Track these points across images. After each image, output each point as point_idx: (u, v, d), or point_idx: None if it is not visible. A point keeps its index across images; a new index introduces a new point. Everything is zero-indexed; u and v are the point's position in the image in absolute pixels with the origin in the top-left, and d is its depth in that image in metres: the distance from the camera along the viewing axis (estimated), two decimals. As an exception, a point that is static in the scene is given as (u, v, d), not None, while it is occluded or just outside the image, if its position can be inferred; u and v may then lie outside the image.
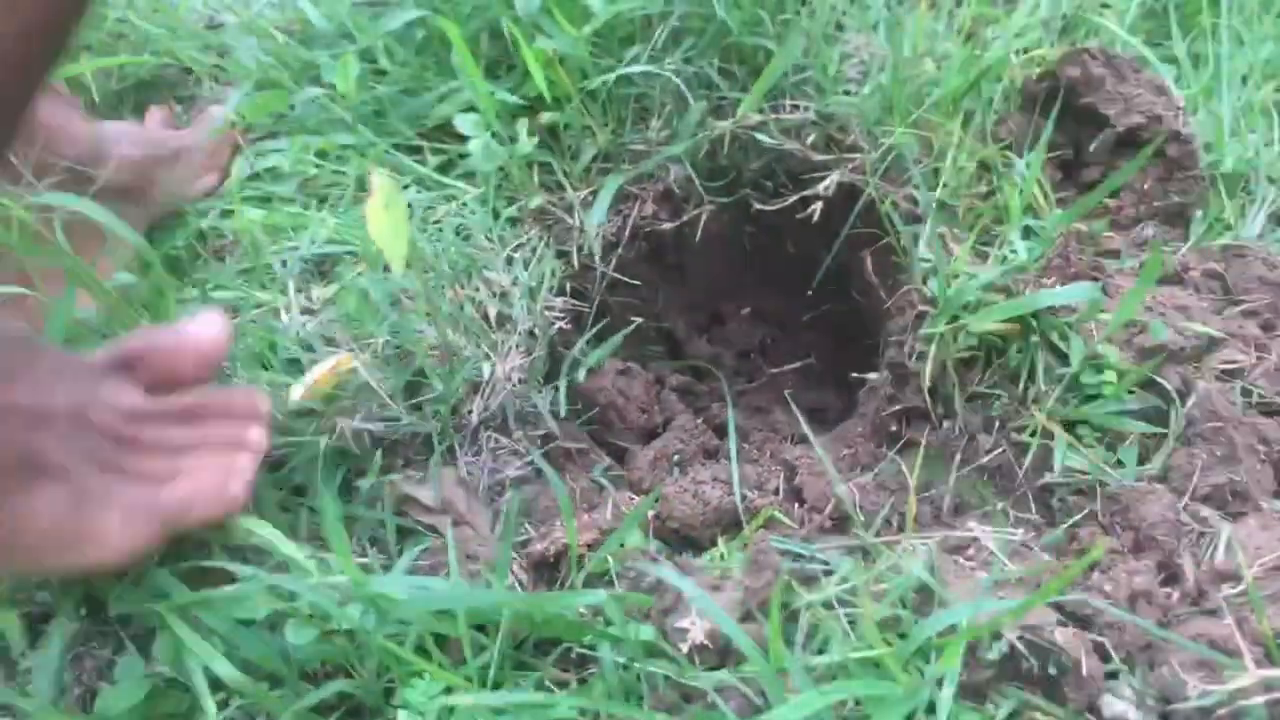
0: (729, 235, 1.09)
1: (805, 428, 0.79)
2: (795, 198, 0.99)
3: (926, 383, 0.82)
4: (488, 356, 0.84)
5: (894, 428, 0.86)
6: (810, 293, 1.14)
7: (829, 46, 1.08)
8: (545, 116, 1.00)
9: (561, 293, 0.94)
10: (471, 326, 0.85)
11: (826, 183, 0.97)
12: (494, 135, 0.97)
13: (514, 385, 0.83)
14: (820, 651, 0.66)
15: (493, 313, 0.87)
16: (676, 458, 0.86)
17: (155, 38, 1.12)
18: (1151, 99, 0.92)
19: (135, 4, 1.16)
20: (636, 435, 0.95)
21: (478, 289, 0.89)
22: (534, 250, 0.95)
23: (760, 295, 1.19)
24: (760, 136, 1.00)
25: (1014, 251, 0.85)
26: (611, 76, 0.98)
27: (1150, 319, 0.79)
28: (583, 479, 0.83)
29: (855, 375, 0.96)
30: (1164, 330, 0.77)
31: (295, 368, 0.84)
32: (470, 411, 0.82)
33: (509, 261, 0.92)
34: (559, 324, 0.92)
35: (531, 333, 0.89)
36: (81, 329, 0.81)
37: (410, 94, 1.02)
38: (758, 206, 1.02)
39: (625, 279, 1.01)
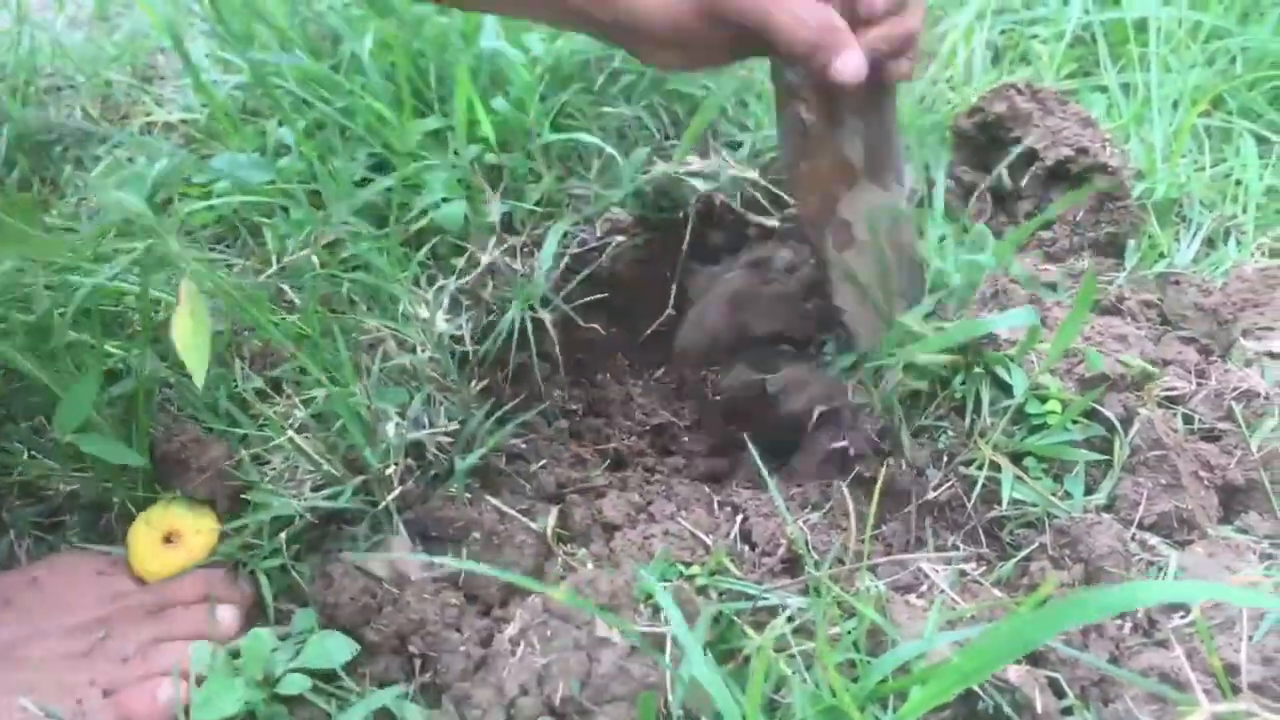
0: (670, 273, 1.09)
1: (760, 468, 0.79)
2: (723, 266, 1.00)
3: (872, 418, 0.82)
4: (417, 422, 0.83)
5: (842, 464, 0.85)
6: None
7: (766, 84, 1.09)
8: (489, 159, 1.00)
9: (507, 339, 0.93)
10: (394, 389, 0.84)
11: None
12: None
13: (436, 451, 0.83)
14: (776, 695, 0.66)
15: (424, 369, 0.86)
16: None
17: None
18: (1079, 131, 0.93)
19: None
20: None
21: (411, 349, 0.88)
22: (476, 301, 0.94)
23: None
24: (695, 182, 1.00)
25: (949, 283, 0.86)
26: (558, 137, 0.99)
27: (1089, 349, 0.79)
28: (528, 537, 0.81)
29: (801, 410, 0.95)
30: (1101, 360, 0.78)
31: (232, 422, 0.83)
32: (409, 477, 0.80)
33: (448, 314, 0.91)
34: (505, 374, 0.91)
35: (448, 389, 0.88)
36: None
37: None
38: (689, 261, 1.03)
39: (577, 319, 1.00)
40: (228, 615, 0.73)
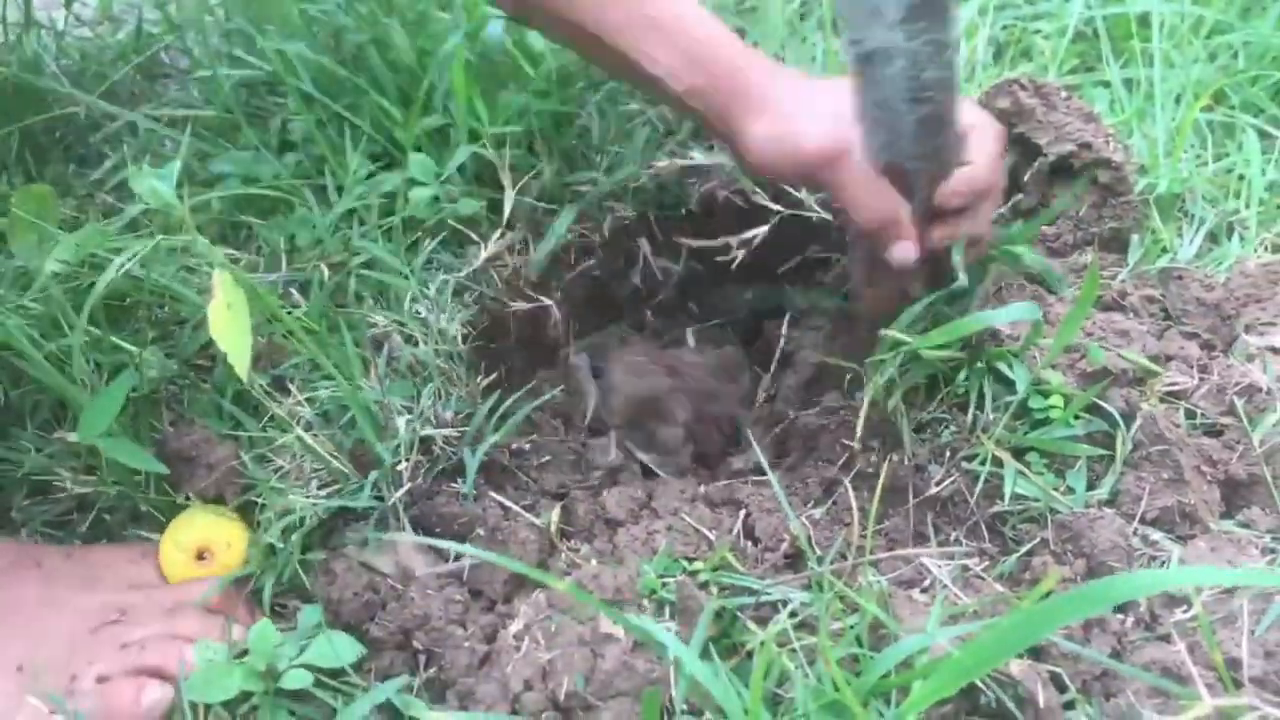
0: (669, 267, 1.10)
1: (764, 463, 0.79)
2: (720, 241, 1.00)
3: (868, 411, 0.82)
4: (425, 417, 0.83)
5: (845, 459, 0.86)
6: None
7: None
8: (491, 155, 1.00)
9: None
10: (402, 384, 0.84)
11: (753, 234, 0.98)
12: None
13: (443, 445, 0.83)
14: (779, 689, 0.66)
15: (431, 363, 0.87)
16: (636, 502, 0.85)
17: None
18: (1081, 126, 0.93)
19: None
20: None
21: (415, 343, 0.88)
22: (479, 296, 0.94)
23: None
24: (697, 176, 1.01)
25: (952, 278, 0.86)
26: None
27: (1091, 344, 0.79)
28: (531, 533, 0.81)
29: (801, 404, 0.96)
30: (1102, 354, 0.78)
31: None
32: (418, 473, 0.81)
33: (453, 309, 0.91)
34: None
35: (454, 384, 0.88)
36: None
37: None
38: (685, 241, 1.03)
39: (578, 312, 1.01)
40: (241, 634, 0.73)
